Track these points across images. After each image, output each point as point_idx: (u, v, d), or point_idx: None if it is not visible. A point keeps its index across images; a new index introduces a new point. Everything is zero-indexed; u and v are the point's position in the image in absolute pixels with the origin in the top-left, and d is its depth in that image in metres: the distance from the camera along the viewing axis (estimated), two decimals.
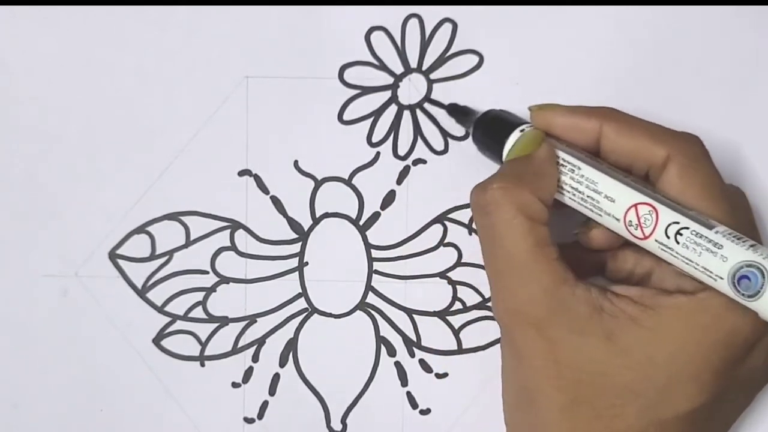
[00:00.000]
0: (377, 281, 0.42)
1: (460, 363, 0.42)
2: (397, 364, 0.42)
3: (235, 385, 0.43)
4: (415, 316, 0.42)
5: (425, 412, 0.42)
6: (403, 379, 0.42)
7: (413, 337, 0.42)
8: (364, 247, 0.42)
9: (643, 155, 0.36)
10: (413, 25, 0.42)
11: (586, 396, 0.34)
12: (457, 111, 0.41)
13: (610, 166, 0.36)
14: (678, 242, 0.33)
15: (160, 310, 0.43)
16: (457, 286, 0.42)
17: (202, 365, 0.43)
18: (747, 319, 0.34)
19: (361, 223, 0.42)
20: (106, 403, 0.43)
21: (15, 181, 0.42)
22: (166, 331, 0.43)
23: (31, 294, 0.42)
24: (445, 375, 0.42)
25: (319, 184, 0.42)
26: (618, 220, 0.35)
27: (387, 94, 0.42)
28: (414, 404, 0.42)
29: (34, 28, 0.42)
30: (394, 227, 0.42)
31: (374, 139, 0.42)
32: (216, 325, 0.43)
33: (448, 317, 0.42)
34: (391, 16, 0.42)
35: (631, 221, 0.35)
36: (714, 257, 0.32)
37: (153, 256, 0.42)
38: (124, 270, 0.42)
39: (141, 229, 0.42)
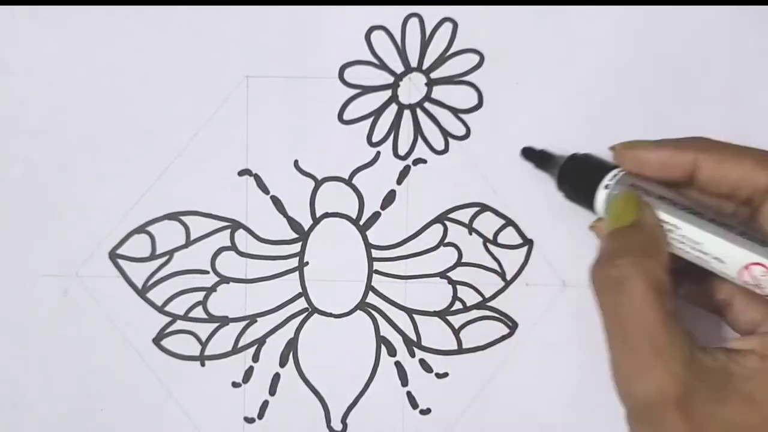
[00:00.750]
0: (377, 281, 0.42)
1: (460, 363, 0.42)
2: (398, 364, 0.42)
3: (235, 384, 0.43)
4: (415, 315, 0.42)
5: (425, 411, 0.42)
6: (404, 379, 0.42)
7: (413, 337, 0.42)
8: (364, 247, 0.42)
9: (746, 183, 0.35)
10: (413, 24, 0.42)
11: None
12: (537, 156, 0.40)
13: (714, 216, 0.34)
14: None
15: (160, 309, 0.43)
16: (458, 286, 0.42)
17: (203, 365, 0.43)
18: None
19: (361, 222, 0.42)
20: (107, 402, 0.43)
21: (15, 181, 0.42)
22: (167, 331, 0.43)
23: (31, 294, 0.42)
24: (445, 375, 0.42)
25: (319, 183, 0.42)
26: (734, 278, 0.34)
27: (387, 94, 0.42)
28: (414, 404, 0.42)
29: (34, 28, 0.42)
30: (395, 227, 0.42)
31: (374, 139, 0.42)
32: (216, 324, 0.43)
33: (448, 317, 0.42)
34: (392, 15, 0.42)
35: (747, 282, 0.33)
36: None
37: (153, 256, 0.43)
38: (124, 270, 0.42)
39: (141, 229, 0.42)
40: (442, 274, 0.42)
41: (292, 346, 0.43)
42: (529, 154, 0.40)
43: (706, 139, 0.36)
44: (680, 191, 0.36)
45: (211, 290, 0.43)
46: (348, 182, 0.42)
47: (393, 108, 0.42)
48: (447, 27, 0.42)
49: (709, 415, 0.33)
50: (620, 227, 0.35)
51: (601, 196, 0.37)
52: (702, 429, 0.33)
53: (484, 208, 0.42)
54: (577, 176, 0.38)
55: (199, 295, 0.43)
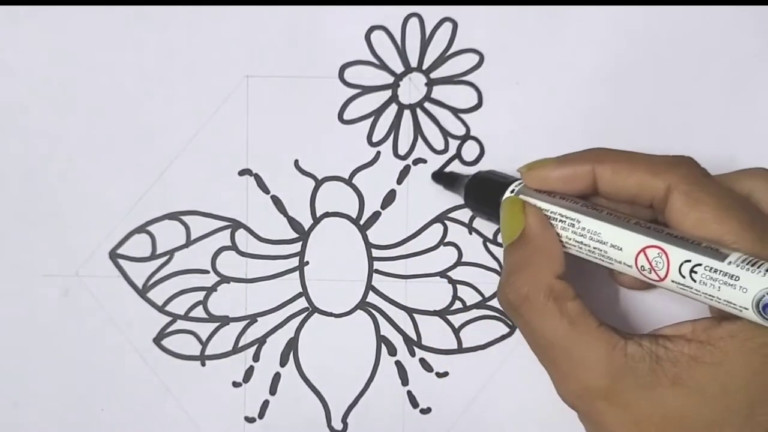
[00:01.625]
0: (378, 280, 0.42)
1: (460, 362, 0.42)
2: (398, 364, 0.42)
3: (235, 384, 0.43)
4: (415, 315, 0.42)
5: (426, 411, 0.42)
6: (404, 379, 0.42)
7: (414, 337, 0.42)
8: (364, 247, 0.42)
9: (643, 190, 0.35)
10: (413, 24, 0.42)
11: None
12: (442, 178, 0.41)
13: (611, 211, 0.35)
14: (694, 280, 0.32)
15: (160, 309, 0.43)
16: (458, 286, 0.42)
17: (203, 365, 0.43)
18: None
19: (361, 222, 0.42)
20: (107, 402, 0.43)
21: (16, 181, 0.42)
22: (167, 331, 0.43)
23: (31, 293, 0.42)
24: (445, 374, 0.42)
25: (319, 183, 0.42)
26: (630, 266, 0.34)
27: (387, 94, 0.42)
28: (414, 403, 0.42)
29: (34, 28, 0.42)
30: (395, 226, 0.42)
31: (374, 139, 0.42)
32: (217, 324, 0.43)
33: (448, 316, 0.42)
34: (392, 15, 0.42)
35: (643, 266, 0.34)
36: (733, 290, 0.32)
37: (153, 256, 0.43)
38: (124, 269, 0.43)
39: (141, 229, 0.43)
40: (443, 274, 0.42)
41: (292, 345, 0.43)
42: (437, 177, 0.42)
43: (603, 150, 0.36)
44: (588, 200, 0.36)
45: (211, 290, 0.43)
46: (348, 182, 0.42)
47: (393, 108, 0.42)
48: (447, 27, 0.42)
49: (638, 400, 0.34)
50: (511, 242, 0.36)
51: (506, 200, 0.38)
52: (633, 415, 0.34)
53: None
54: (481, 191, 0.39)
55: (200, 295, 0.43)
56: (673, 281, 0.33)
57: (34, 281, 0.42)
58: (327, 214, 0.43)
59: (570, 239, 0.36)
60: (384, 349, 0.42)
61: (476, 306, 0.42)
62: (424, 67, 0.42)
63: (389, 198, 0.42)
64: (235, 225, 0.42)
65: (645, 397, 0.34)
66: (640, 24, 0.41)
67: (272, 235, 0.43)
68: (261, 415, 0.43)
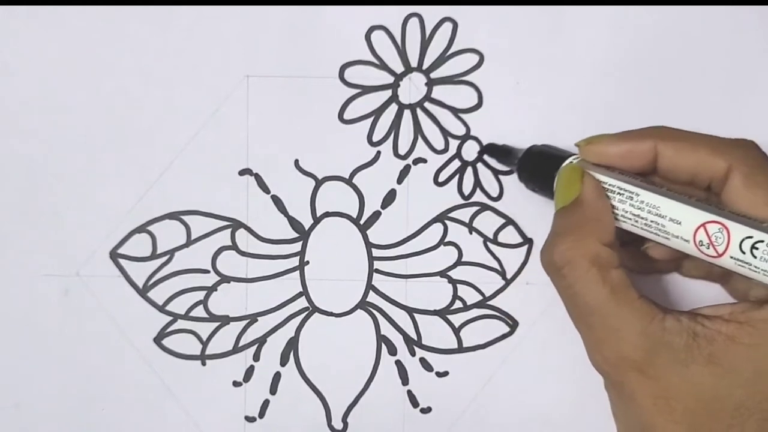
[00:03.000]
0: (378, 280, 0.42)
1: (460, 362, 0.42)
2: (398, 363, 0.42)
3: (236, 384, 0.43)
4: (415, 314, 0.42)
5: (426, 410, 0.42)
6: (404, 378, 0.42)
7: (414, 336, 0.42)
8: (364, 246, 0.42)
9: (704, 169, 0.35)
10: (413, 24, 0.42)
11: (703, 422, 0.34)
12: (497, 151, 0.41)
13: (669, 187, 0.36)
14: (755, 256, 0.33)
15: (161, 309, 0.43)
16: (458, 285, 0.42)
17: (203, 364, 0.43)
18: None
19: (361, 222, 0.43)
20: (108, 402, 0.43)
21: (16, 181, 0.42)
22: (167, 330, 0.43)
23: (32, 293, 0.42)
24: (445, 374, 0.42)
25: (319, 183, 0.42)
26: (687, 241, 0.35)
27: (387, 94, 0.42)
28: (415, 403, 0.42)
29: (34, 28, 0.42)
30: (395, 226, 0.42)
31: (375, 139, 0.42)
32: (217, 324, 0.43)
33: (448, 316, 0.42)
34: (392, 15, 0.42)
35: (701, 241, 0.34)
36: None
37: (154, 256, 0.43)
38: (125, 269, 0.43)
39: (142, 229, 0.43)
40: (443, 273, 0.42)
41: (292, 345, 0.43)
42: (491, 150, 0.41)
43: (665, 128, 0.37)
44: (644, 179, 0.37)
45: (211, 289, 0.43)
46: (348, 182, 0.42)
47: (393, 108, 0.42)
48: (447, 27, 0.42)
49: (671, 375, 0.34)
50: (563, 207, 0.37)
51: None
52: (663, 389, 0.34)
53: (484, 207, 0.42)
54: (536, 165, 0.39)
55: (200, 295, 0.43)
56: (731, 257, 0.34)
57: (34, 281, 0.42)
58: (327, 214, 0.43)
59: (627, 212, 0.36)
60: (384, 348, 0.42)
61: (476, 306, 0.42)
62: (425, 67, 0.42)
63: (389, 198, 0.42)
64: (235, 225, 0.43)
65: (678, 372, 0.34)
66: (640, 24, 0.41)
67: (272, 235, 0.43)
68: (261, 415, 0.43)
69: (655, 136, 0.36)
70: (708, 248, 0.34)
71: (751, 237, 0.33)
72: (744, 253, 0.33)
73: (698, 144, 0.36)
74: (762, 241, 0.33)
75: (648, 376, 0.34)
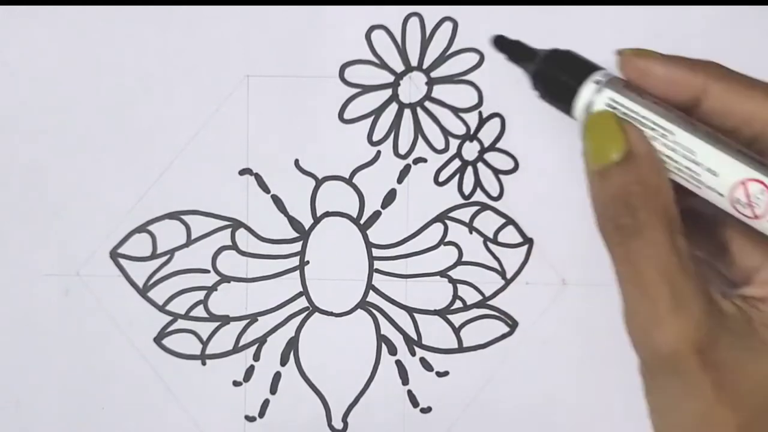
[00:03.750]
0: (378, 280, 0.42)
1: (460, 361, 0.42)
2: (398, 363, 0.43)
3: (236, 383, 0.43)
4: (415, 314, 0.42)
5: (426, 410, 0.42)
6: (404, 378, 0.42)
7: (414, 336, 0.42)
8: (364, 246, 0.43)
9: (755, 117, 0.31)
10: (414, 23, 0.42)
11: (764, 408, 0.31)
12: (509, 47, 0.35)
13: (711, 131, 0.31)
14: None
15: (161, 309, 0.43)
16: (458, 285, 0.42)
17: (204, 364, 0.43)
18: None
19: (361, 221, 0.43)
20: (108, 401, 0.43)
21: (16, 181, 0.42)
22: (168, 330, 0.43)
23: (32, 293, 0.43)
24: (445, 373, 0.42)
25: (319, 183, 0.42)
26: (722, 195, 0.30)
27: (387, 93, 0.42)
28: (415, 403, 0.42)
29: (35, 28, 0.42)
30: (395, 226, 0.42)
31: (375, 138, 0.42)
32: (217, 323, 0.43)
33: (448, 316, 0.42)
34: (392, 15, 0.42)
35: (738, 199, 0.30)
36: None
37: (154, 255, 0.43)
38: (125, 269, 0.43)
39: (142, 228, 0.43)
40: (443, 273, 0.42)
41: (292, 344, 0.43)
42: (502, 44, 0.35)
43: (719, 66, 0.33)
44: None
45: (211, 289, 0.43)
46: (348, 181, 0.42)
47: (393, 107, 0.42)
48: (447, 26, 0.42)
49: (731, 360, 0.31)
50: (610, 164, 0.31)
51: (588, 91, 0.32)
52: (724, 376, 0.31)
53: (484, 207, 0.42)
54: (559, 70, 0.33)
55: (200, 294, 0.43)
56: None
57: (35, 281, 0.43)
58: (327, 214, 0.43)
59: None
60: (384, 348, 0.43)
61: (476, 305, 0.42)
62: (425, 66, 0.42)
63: (389, 197, 0.42)
64: (235, 224, 0.43)
65: (738, 358, 0.31)
66: (640, 24, 0.41)
67: (273, 235, 0.43)
68: (261, 415, 0.43)
69: (709, 72, 0.32)
70: (745, 208, 0.30)
71: None
72: None
73: (753, 89, 0.32)
74: None
75: (710, 361, 0.30)
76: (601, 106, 0.32)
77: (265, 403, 0.43)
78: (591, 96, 0.32)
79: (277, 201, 0.43)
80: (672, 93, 0.32)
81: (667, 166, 0.31)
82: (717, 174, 0.30)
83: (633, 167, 0.31)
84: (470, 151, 0.42)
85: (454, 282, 0.42)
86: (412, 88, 0.42)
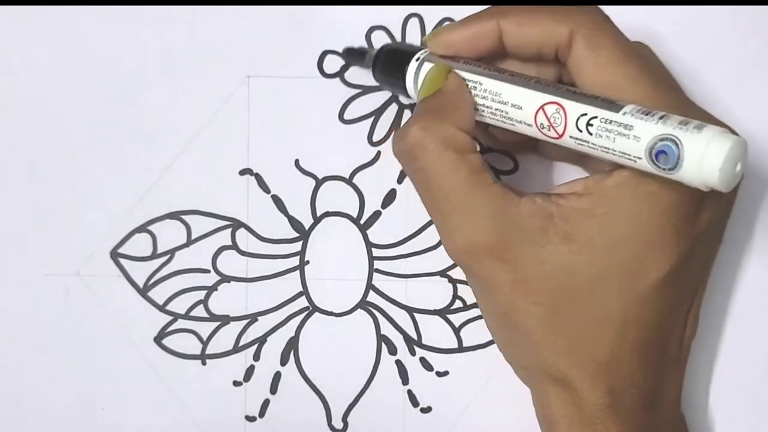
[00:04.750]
0: (378, 280, 0.42)
1: (460, 361, 0.42)
2: (398, 363, 0.42)
3: (236, 383, 0.43)
4: (415, 314, 0.42)
5: (426, 410, 0.42)
6: (404, 378, 0.42)
7: (414, 336, 0.42)
8: (364, 246, 0.43)
9: (548, 39, 0.35)
10: (414, 24, 0.42)
11: (563, 300, 0.34)
12: (354, 54, 0.41)
13: (513, 73, 0.36)
14: (591, 133, 0.33)
15: (161, 308, 0.43)
16: (458, 285, 0.42)
17: (204, 364, 0.43)
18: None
19: (361, 221, 0.43)
20: (108, 401, 0.43)
21: (17, 180, 0.43)
22: (168, 330, 0.43)
23: (32, 293, 0.43)
24: (445, 373, 0.42)
25: (320, 183, 0.43)
26: (530, 125, 0.35)
27: (388, 93, 0.42)
28: (415, 402, 0.42)
29: (35, 28, 0.42)
30: (395, 226, 0.43)
31: (375, 138, 0.42)
32: (217, 323, 0.43)
33: (448, 315, 0.42)
34: (392, 15, 0.42)
35: (542, 124, 0.34)
36: (627, 140, 0.32)
37: (154, 255, 0.43)
38: (125, 269, 0.43)
39: (142, 228, 0.43)
40: (443, 273, 0.42)
41: (293, 344, 0.43)
42: (349, 53, 0.42)
43: (505, 6, 0.36)
44: (495, 64, 0.37)
45: (212, 289, 0.43)
46: (349, 181, 0.43)
47: (393, 107, 0.42)
48: None
49: (527, 257, 0.34)
50: (424, 98, 0.36)
51: (411, 68, 0.38)
52: (520, 272, 0.34)
53: None
54: (389, 60, 0.39)
55: (200, 294, 0.43)
56: (571, 137, 0.33)
57: (35, 280, 0.43)
58: (327, 214, 0.43)
59: (475, 103, 0.36)
60: (384, 348, 0.43)
61: (476, 305, 0.42)
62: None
63: (390, 197, 0.43)
64: (235, 224, 0.43)
65: (534, 254, 0.34)
66: (640, 24, 0.41)
67: (273, 235, 0.43)
68: (261, 414, 0.43)
69: (496, 15, 0.36)
70: (549, 130, 0.34)
71: (585, 114, 0.33)
72: (581, 131, 0.33)
73: (539, 14, 0.35)
74: (596, 117, 0.33)
75: (505, 261, 0.34)
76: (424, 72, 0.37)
77: (266, 403, 0.43)
78: (415, 69, 0.38)
79: (278, 201, 0.43)
80: (477, 47, 0.36)
81: (485, 112, 0.36)
82: (521, 107, 0.35)
83: (435, 98, 0.36)
84: None
85: (454, 282, 0.42)
86: None
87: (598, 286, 0.34)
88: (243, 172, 0.42)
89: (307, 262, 0.43)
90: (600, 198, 0.34)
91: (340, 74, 0.42)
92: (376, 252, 0.42)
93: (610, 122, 0.32)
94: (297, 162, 0.43)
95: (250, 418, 0.43)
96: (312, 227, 0.43)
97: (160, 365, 0.43)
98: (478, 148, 0.36)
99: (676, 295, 0.36)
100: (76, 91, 0.42)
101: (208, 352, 0.43)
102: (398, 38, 0.42)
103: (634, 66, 0.34)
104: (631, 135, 0.32)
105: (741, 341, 0.42)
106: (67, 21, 0.42)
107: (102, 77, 0.42)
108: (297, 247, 0.43)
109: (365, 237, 0.43)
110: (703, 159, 0.30)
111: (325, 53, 0.42)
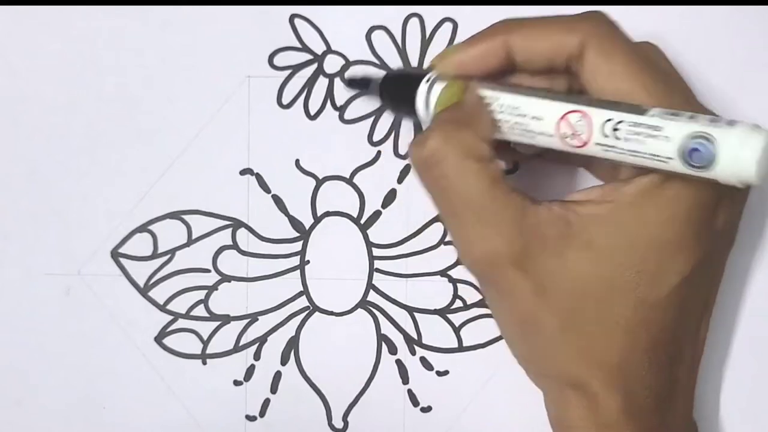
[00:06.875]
0: (378, 279, 0.43)
1: (460, 361, 0.42)
2: (398, 362, 0.43)
3: (236, 383, 0.43)
4: (416, 314, 0.43)
5: (426, 409, 0.42)
6: (404, 377, 0.43)
7: (414, 335, 0.43)
8: (365, 246, 0.43)
9: (558, 51, 0.35)
10: (414, 24, 0.42)
11: (582, 307, 0.34)
12: (357, 83, 0.41)
13: (528, 87, 0.36)
14: (618, 138, 0.32)
15: (162, 308, 0.43)
16: (458, 284, 0.42)
17: (204, 363, 0.43)
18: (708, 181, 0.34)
19: (362, 221, 0.43)
20: (108, 400, 0.43)
21: (18, 180, 0.43)
22: (168, 330, 0.43)
23: (33, 292, 0.43)
24: (446, 373, 0.42)
25: (320, 182, 0.43)
26: (551, 136, 0.34)
27: None
28: (415, 402, 0.42)
29: (35, 28, 0.42)
30: (395, 226, 0.43)
31: (375, 138, 0.43)
32: (218, 323, 0.43)
33: (448, 315, 0.43)
34: (392, 15, 0.42)
35: (565, 133, 0.34)
36: (657, 141, 0.31)
37: (155, 255, 0.43)
38: (126, 268, 0.43)
39: (143, 228, 0.43)
40: (443, 273, 0.42)
41: (293, 344, 0.43)
42: (351, 83, 0.42)
43: (511, 20, 0.36)
44: (506, 79, 0.37)
45: (212, 289, 0.43)
46: (349, 181, 0.43)
47: None
48: (447, 27, 0.42)
49: (548, 266, 0.34)
50: (444, 108, 0.36)
51: (422, 90, 0.37)
52: (541, 281, 0.34)
53: None
54: (397, 85, 0.39)
55: (201, 294, 0.43)
56: (597, 144, 0.33)
57: (35, 280, 0.43)
58: (328, 214, 0.43)
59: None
60: (384, 347, 0.43)
61: (477, 305, 0.42)
62: (425, 66, 0.42)
63: (390, 197, 0.43)
64: (236, 224, 0.43)
65: (554, 262, 0.34)
66: (640, 24, 0.41)
67: (273, 234, 0.43)
68: (262, 414, 0.43)
69: (503, 31, 0.36)
70: (572, 139, 0.34)
71: (611, 119, 0.33)
72: (607, 136, 0.33)
73: (547, 27, 0.35)
74: (622, 121, 0.32)
75: (525, 270, 0.34)
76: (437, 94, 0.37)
77: (266, 403, 0.43)
78: (425, 91, 0.37)
79: (278, 201, 0.43)
80: (486, 65, 0.36)
81: (502, 127, 0.35)
82: (541, 118, 0.34)
83: (454, 109, 0.36)
84: None
85: (454, 281, 0.42)
86: None
87: (617, 292, 0.34)
88: (243, 172, 0.43)
89: (308, 261, 0.43)
90: (620, 206, 0.34)
91: (340, 74, 0.42)
92: (376, 252, 0.43)
93: (638, 125, 0.32)
94: (297, 162, 0.43)
95: (251, 418, 0.43)
96: (312, 227, 0.43)
97: (161, 365, 0.43)
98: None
99: (693, 297, 0.36)
100: (76, 91, 0.42)
101: (208, 351, 0.43)
102: (398, 39, 0.42)
103: (647, 72, 0.34)
104: (660, 135, 0.31)
105: (752, 344, 0.42)
106: (67, 21, 0.42)
107: (102, 77, 0.42)
108: (297, 246, 0.43)
109: (365, 237, 0.43)
110: (740, 154, 0.30)
111: (325, 53, 0.42)
